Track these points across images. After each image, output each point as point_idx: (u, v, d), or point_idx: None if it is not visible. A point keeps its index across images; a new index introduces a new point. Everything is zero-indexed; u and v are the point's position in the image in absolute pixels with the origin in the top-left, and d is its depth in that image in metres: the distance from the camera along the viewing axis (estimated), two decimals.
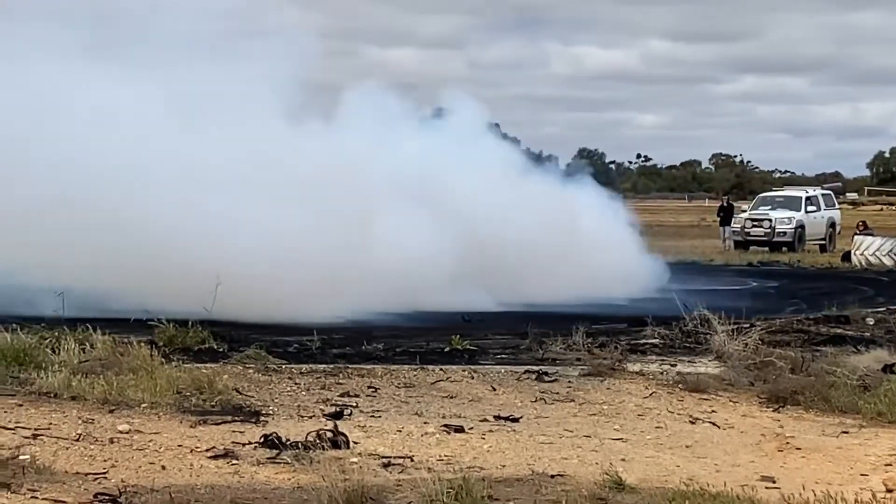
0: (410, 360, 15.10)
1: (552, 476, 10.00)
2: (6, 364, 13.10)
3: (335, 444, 10.43)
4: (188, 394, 12.38)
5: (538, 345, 16.31)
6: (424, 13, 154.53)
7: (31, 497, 8.75)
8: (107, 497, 8.90)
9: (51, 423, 11.09)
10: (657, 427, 12.39)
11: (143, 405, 11.91)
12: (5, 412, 11.39)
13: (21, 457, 9.69)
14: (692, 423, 12.73)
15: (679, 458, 11.11)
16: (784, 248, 48.11)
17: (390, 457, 10.29)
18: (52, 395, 12.13)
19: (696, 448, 11.63)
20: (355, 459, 10.19)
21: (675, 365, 15.64)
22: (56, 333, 14.01)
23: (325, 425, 11.08)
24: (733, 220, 50.93)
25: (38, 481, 9.15)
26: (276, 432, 10.70)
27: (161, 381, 12.46)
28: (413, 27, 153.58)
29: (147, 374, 12.66)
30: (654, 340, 17.58)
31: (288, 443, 10.50)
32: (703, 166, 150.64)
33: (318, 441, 10.51)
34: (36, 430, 10.79)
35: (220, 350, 15.02)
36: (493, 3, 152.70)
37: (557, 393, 13.67)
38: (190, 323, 15.24)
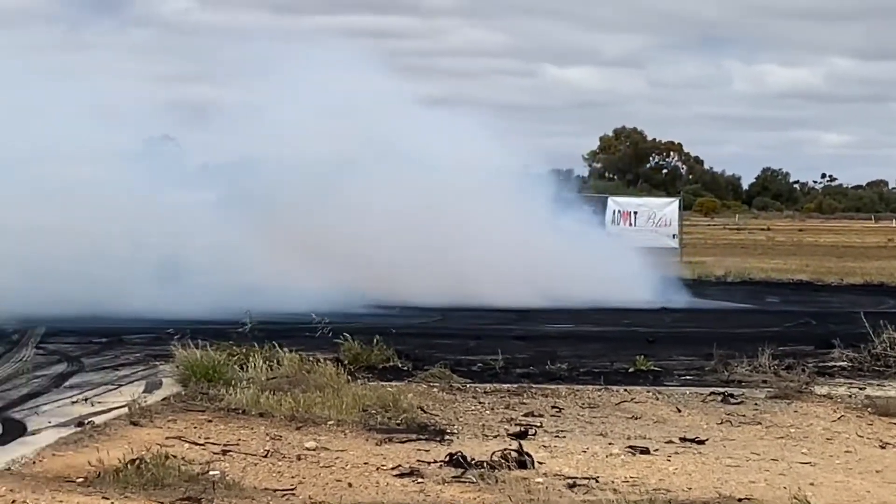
0: (594, 380, 15.02)
1: (739, 500, 9.83)
2: (196, 380, 13.36)
3: (520, 465, 10.38)
4: (374, 411, 12.47)
5: (723, 366, 16.09)
6: (606, 32, 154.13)
7: None
8: None
9: (240, 440, 11.25)
10: (846, 451, 12.11)
11: (330, 422, 12.03)
12: (195, 428, 11.60)
13: (211, 472, 9.82)
14: (882, 447, 12.42)
15: (869, 484, 10.84)
16: None
17: (575, 477, 10.21)
18: (240, 411, 12.33)
19: (886, 473, 11.34)
20: (540, 480, 10.12)
21: (864, 388, 15.30)
22: (244, 349, 14.23)
23: (510, 445, 11.04)
24: None
25: (228, 497, 9.26)
26: (460, 451, 10.69)
27: (347, 398, 12.58)
28: (594, 46, 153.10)
29: (333, 392, 12.79)
30: (842, 363, 17.22)
31: (473, 462, 10.47)
32: (891, 186, 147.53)
33: (502, 461, 10.47)
34: (225, 445, 10.96)
35: (405, 368, 15.12)
36: (675, 21, 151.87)
37: (744, 415, 13.46)
38: (375, 340, 15.33)
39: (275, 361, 13.91)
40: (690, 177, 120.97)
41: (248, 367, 13.79)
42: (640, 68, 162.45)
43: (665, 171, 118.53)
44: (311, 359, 13.90)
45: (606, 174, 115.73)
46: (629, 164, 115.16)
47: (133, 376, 14.41)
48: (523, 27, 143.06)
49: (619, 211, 45.58)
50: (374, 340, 15.33)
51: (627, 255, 33.53)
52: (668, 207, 45.32)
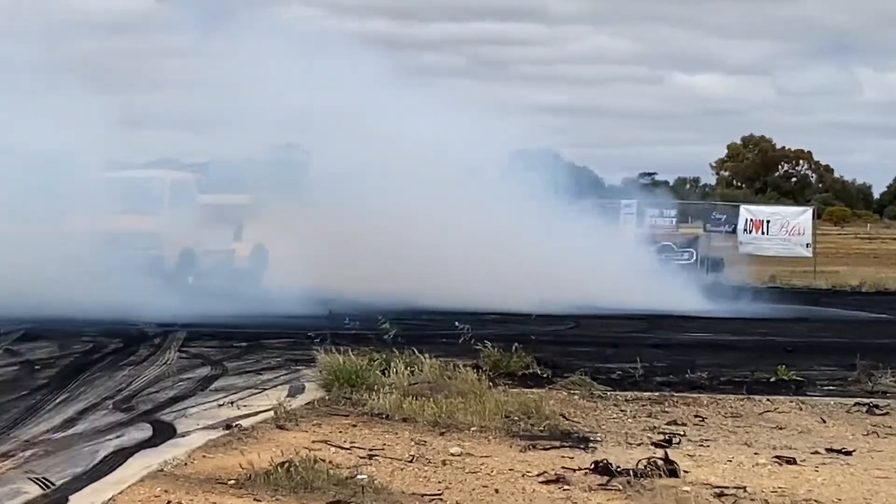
0: (735, 389, 14.89)
1: None
2: (339, 385, 13.48)
3: (669, 473, 10.32)
4: (516, 418, 12.48)
5: (867, 377, 15.86)
6: (732, 39, 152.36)
7: None
8: None
9: (384, 444, 11.32)
10: None
11: (473, 428, 12.06)
12: (341, 432, 11.70)
13: (358, 476, 9.89)
14: None
15: None
16: None
17: (723, 487, 10.13)
18: (384, 416, 12.42)
19: None
20: (687, 489, 10.06)
21: None
22: (384, 355, 14.33)
23: (654, 453, 10.98)
24: None
25: (377, 501, 9.32)
26: (605, 459, 10.66)
27: (490, 404, 12.61)
28: (720, 53, 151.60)
29: (476, 398, 12.82)
30: None
31: (618, 470, 10.44)
32: None
33: (649, 469, 10.42)
34: (371, 450, 11.03)
35: (544, 375, 15.10)
36: (803, 28, 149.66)
37: (890, 427, 13.26)
38: (514, 347, 15.34)
39: (416, 367, 13.97)
40: (821, 185, 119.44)
41: (389, 372, 13.86)
42: (767, 75, 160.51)
43: (794, 179, 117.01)
44: (451, 365, 13.95)
45: (734, 182, 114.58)
46: (757, 172, 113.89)
47: (276, 380, 14.56)
48: (649, 34, 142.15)
49: (751, 219, 45.15)
50: (514, 347, 15.32)
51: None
52: (801, 216, 44.76)
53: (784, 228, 43.73)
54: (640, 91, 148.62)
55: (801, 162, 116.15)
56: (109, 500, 8.77)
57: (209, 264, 29.40)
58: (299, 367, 15.39)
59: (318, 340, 15.28)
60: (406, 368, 13.86)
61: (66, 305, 22.23)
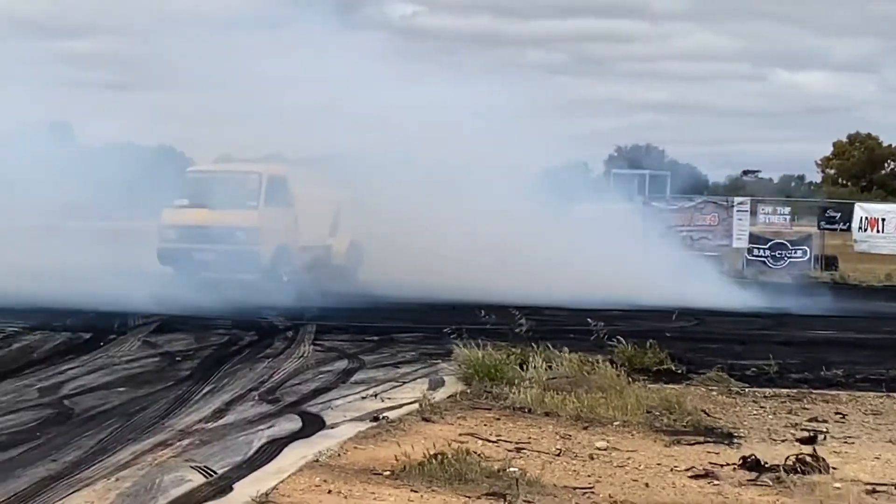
0: (873, 387, 14.80)
1: None
2: (479, 379, 13.59)
3: (819, 469, 10.31)
4: (657, 413, 12.52)
5: None
6: (837, 36, 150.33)
7: None
8: None
9: (530, 438, 11.42)
10: None
11: (616, 423, 12.13)
12: (486, 425, 11.81)
13: (510, 469, 9.98)
14: None
15: None
16: None
17: (874, 484, 10.11)
18: (526, 410, 12.51)
19: None
20: (838, 485, 10.04)
21: None
22: (520, 349, 14.41)
23: (801, 449, 10.97)
24: None
25: (531, 493, 9.40)
26: (753, 454, 10.67)
27: (630, 400, 12.65)
28: (826, 50, 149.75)
29: (616, 393, 12.87)
30: None
31: (766, 466, 10.45)
32: None
33: (797, 465, 10.41)
34: (517, 443, 11.13)
35: (678, 371, 15.11)
36: None
37: None
38: (648, 343, 15.36)
39: (553, 362, 14.05)
40: None
41: (527, 366, 13.95)
42: (872, 73, 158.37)
43: None
44: (589, 360, 14.02)
45: (839, 180, 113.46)
46: (863, 169, 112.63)
47: (414, 374, 14.70)
48: (754, 31, 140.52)
49: (866, 217, 44.75)
50: (648, 344, 15.34)
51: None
52: None
53: None
54: (743, 88, 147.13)
55: None
56: (272, 488, 8.93)
57: (305, 260, 29.45)
58: (436, 361, 15.53)
59: (454, 335, 15.36)
60: (543, 363, 13.94)
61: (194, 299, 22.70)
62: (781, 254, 45.66)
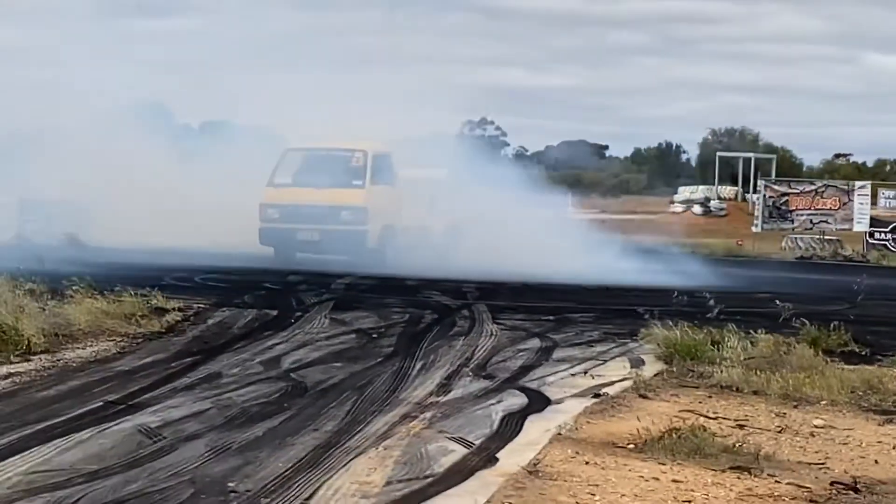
0: None
1: None
2: (679, 358, 14.00)
3: None
4: (860, 393, 12.87)
5: None
6: None
7: (775, 482, 9.38)
8: (842, 486, 9.42)
9: (746, 415, 11.82)
10: None
11: (823, 402, 12.49)
12: (700, 403, 12.24)
13: (743, 444, 10.36)
14: None
15: None
16: None
17: None
18: (733, 388, 12.90)
19: None
20: None
21: None
22: (713, 331, 14.82)
23: None
24: None
25: (769, 467, 9.78)
26: None
27: (833, 380, 13.00)
28: None
29: (818, 374, 13.22)
30: None
31: None
32: None
33: None
34: (736, 420, 11.54)
35: (862, 353, 15.40)
36: None
37: None
38: (832, 325, 15.63)
39: (748, 343, 14.45)
40: None
41: (721, 347, 14.34)
42: None
43: None
44: (786, 342, 14.41)
45: None
46: None
47: (609, 353, 15.11)
48: (843, 13, 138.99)
49: None
50: (832, 326, 15.63)
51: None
52: None
53: None
54: (833, 71, 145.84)
55: None
56: (533, 459, 9.39)
57: (407, 240, 29.15)
58: (624, 341, 15.94)
59: (646, 316, 15.80)
60: (739, 344, 14.34)
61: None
62: None
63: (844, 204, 45.70)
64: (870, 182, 50.26)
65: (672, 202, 78.19)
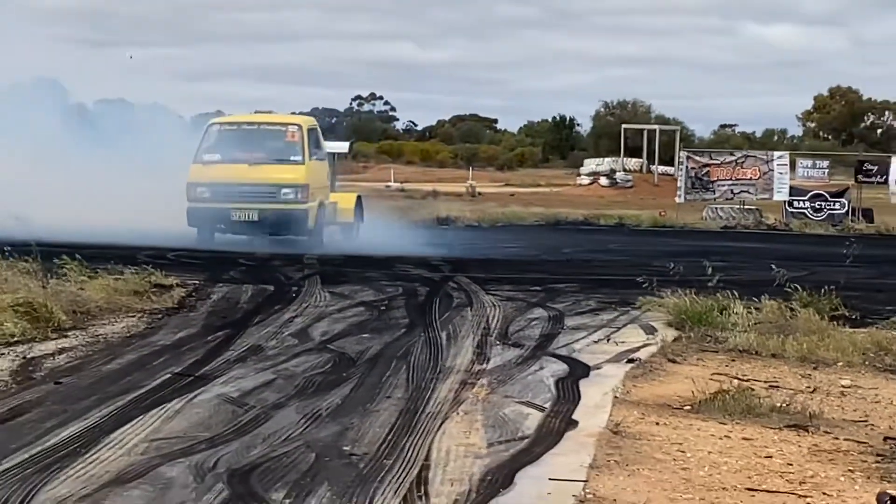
0: None
1: None
2: (690, 325, 14.56)
3: None
4: (871, 355, 13.51)
5: None
6: None
7: (833, 438, 9.94)
8: (893, 440, 9.99)
9: (774, 377, 12.42)
10: None
11: (839, 363, 13.11)
12: (726, 366, 12.84)
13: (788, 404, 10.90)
14: None
15: None
16: None
17: None
18: (751, 352, 13.47)
19: None
20: None
21: None
22: (717, 297, 15.40)
23: None
24: None
25: (820, 425, 10.33)
26: None
27: (845, 342, 13.62)
28: (794, 3, 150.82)
29: (828, 337, 13.84)
30: None
31: None
32: None
33: None
34: (766, 382, 12.10)
35: (852, 317, 16.02)
36: None
37: None
38: (823, 290, 16.20)
39: (753, 309, 15.05)
40: None
41: (727, 313, 14.92)
42: (842, 26, 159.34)
43: (880, 130, 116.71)
44: (789, 307, 15.03)
45: (820, 134, 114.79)
46: (844, 123, 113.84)
47: (617, 320, 15.60)
48: None
49: None
50: (822, 290, 16.19)
51: None
52: None
53: None
54: (713, 42, 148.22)
55: (886, 113, 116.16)
56: (611, 420, 9.86)
57: (329, 218, 28.12)
58: (626, 308, 16.46)
59: (644, 284, 16.36)
60: (745, 310, 14.93)
61: None
62: (821, 205, 46.88)
63: (764, 174, 46.65)
64: (788, 152, 51.43)
65: (579, 174, 79.18)
